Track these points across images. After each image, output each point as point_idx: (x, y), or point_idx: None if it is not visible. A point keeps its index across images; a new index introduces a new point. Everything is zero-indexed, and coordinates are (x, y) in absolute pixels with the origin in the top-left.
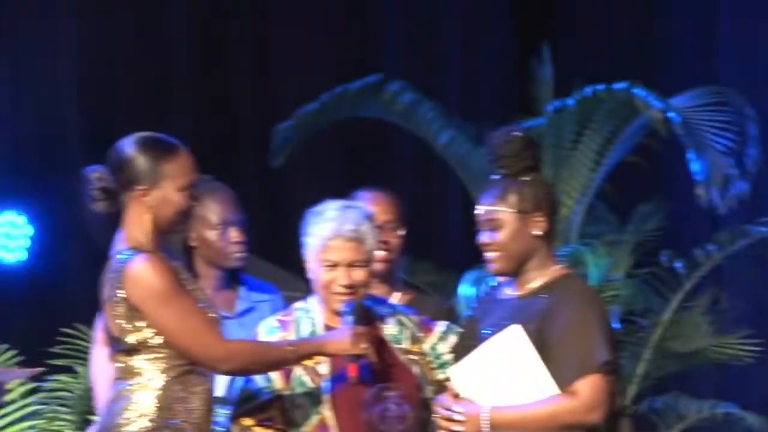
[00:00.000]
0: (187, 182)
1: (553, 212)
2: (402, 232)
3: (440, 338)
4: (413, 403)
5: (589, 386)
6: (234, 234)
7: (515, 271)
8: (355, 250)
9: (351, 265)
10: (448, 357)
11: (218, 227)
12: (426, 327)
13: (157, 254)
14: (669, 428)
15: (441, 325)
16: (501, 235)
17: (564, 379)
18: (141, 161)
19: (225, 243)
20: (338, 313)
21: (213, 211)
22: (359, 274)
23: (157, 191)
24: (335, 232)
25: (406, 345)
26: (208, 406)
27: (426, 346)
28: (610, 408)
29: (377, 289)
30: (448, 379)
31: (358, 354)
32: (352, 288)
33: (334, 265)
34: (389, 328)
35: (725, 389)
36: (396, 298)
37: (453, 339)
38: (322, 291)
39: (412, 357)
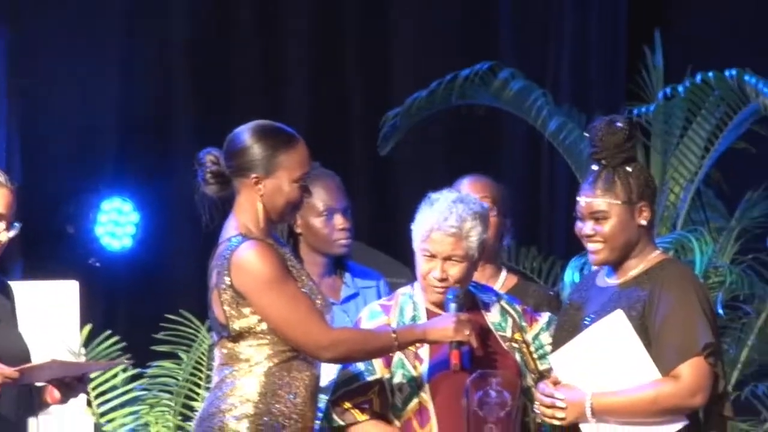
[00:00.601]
0: (300, 174)
1: (654, 199)
2: (496, 215)
3: (543, 329)
4: (513, 391)
5: (691, 369)
6: (339, 221)
7: (619, 261)
8: (454, 245)
9: (448, 258)
10: (549, 348)
11: (324, 214)
12: (529, 317)
13: (265, 241)
14: None
15: (544, 316)
16: (608, 226)
17: (666, 364)
18: (257, 149)
19: (330, 230)
20: (437, 304)
21: (319, 198)
22: (455, 270)
23: (271, 180)
24: (438, 224)
25: (508, 333)
26: (312, 393)
27: (529, 336)
28: (713, 391)
29: (483, 271)
30: (550, 370)
31: (460, 341)
32: (445, 282)
33: (432, 256)
34: (492, 316)
35: None
36: (500, 281)
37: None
38: (420, 280)
39: (514, 345)
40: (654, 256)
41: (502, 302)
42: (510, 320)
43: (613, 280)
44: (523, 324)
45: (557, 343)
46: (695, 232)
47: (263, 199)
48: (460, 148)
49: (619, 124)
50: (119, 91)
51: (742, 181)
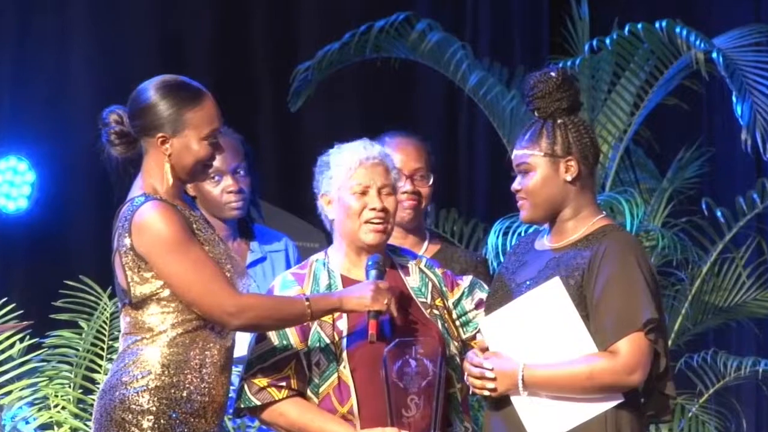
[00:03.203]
0: (209, 131)
1: (589, 156)
2: (431, 181)
3: (465, 294)
4: (435, 359)
5: (630, 345)
6: (228, 183)
7: (546, 220)
8: (384, 175)
9: (381, 189)
10: (473, 314)
11: (212, 176)
12: (451, 281)
13: (168, 202)
14: (707, 387)
15: (466, 280)
16: (530, 181)
17: (605, 338)
18: (162, 107)
19: (220, 192)
20: (364, 249)
21: None
22: (390, 201)
23: (178, 140)
24: (362, 156)
25: (428, 298)
26: (222, 367)
27: (450, 302)
28: (653, 369)
29: (405, 241)
30: (472, 338)
31: (378, 310)
32: (385, 213)
33: (364, 191)
34: (411, 280)
35: (767, 345)
36: (422, 249)
37: (479, 295)
38: (352, 222)
39: (435, 311)
40: (596, 221)
41: (422, 265)
42: (430, 285)
43: (551, 244)
44: (444, 289)
45: (490, 307)
46: (625, 193)
47: (171, 159)
48: (374, 104)
49: (552, 73)
50: (13, 44)
51: (674, 139)
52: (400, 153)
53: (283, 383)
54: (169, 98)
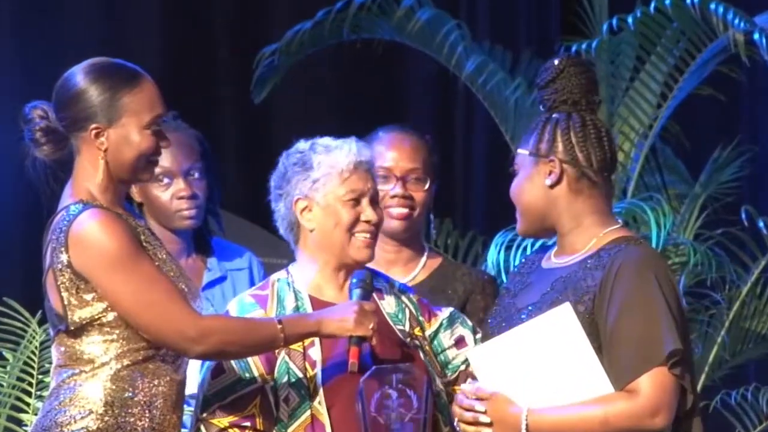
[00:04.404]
0: (151, 118)
1: (579, 158)
2: (429, 185)
3: (443, 326)
4: (420, 389)
5: (652, 383)
6: (180, 187)
7: (542, 232)
8: (373, 180)
9: (372, 198)
10: (452, 353)
11: (161, 179)
12: (428, 311)
13: (110, 210)
14: (747, 429)
15: (445, 312)
16: (514, 184)
17: (622, 374)
18: (94, 92)
19: (170, 198)
20: (348, 266)
21: None
22: (380, 212)
23: (115, 130)
24: (357, 159)
25: (407, 326)
26: (173, 404)
27: (426, 333)
28: (679, 409)
29: (399, 255)
30: (452, 383)
31: (361, 336)
32: (377, 226)
33: (357, 200)
34: (387, 305)
35: None
36: (420, 263)
37: (461, 331)
38: (341, 235)
39: (415, 341)
40: (607, 232)
41: (395, 290)
42: (407, 311)
43: (558, 261)
44: (420, 318)
45: (485, 336)
46: (650, 200)
47: (107, 154)
48: (353, 95)
49: (555, 61)
50: None
51: (709, 135)
52: (393, 150)
53: (247, 423)
54: (101, 82)
